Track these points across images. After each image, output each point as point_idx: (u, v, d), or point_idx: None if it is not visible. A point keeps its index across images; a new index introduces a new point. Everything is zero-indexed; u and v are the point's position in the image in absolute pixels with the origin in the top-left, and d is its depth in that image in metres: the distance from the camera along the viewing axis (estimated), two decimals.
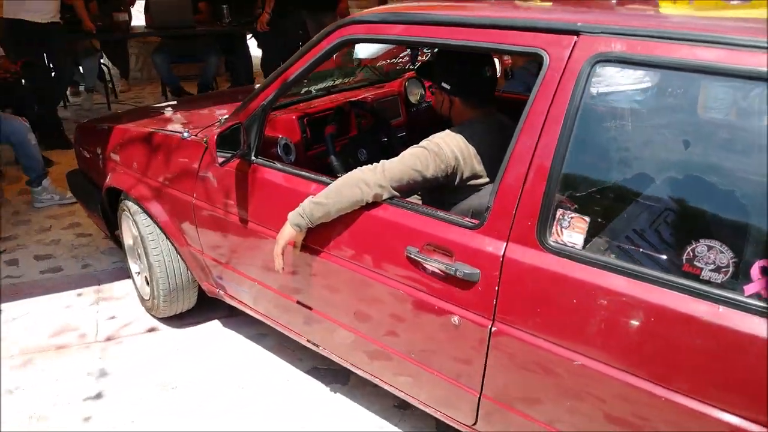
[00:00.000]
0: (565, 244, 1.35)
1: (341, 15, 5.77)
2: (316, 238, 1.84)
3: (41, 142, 3.81)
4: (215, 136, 1.92)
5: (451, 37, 1.58)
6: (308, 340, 2.14)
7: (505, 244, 1.43)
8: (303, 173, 1.92)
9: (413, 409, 2.16)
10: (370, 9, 1.86)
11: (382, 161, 1.72)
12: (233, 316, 2.75)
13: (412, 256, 1.60)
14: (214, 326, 2.71)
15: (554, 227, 1.36)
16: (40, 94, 4.53)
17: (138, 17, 6.49)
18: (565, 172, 1.34)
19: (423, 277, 1.60)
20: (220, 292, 2.45)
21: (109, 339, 2.61)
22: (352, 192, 1.68)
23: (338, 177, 2.07)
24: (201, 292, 2.63)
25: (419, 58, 3.01)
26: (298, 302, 2.05)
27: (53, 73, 4.86)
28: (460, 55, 1.82)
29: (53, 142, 4.73)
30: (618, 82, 1.36)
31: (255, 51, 6.65)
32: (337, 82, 2.85)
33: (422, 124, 2.84)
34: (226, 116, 2.40)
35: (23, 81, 4.20)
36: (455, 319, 1.55)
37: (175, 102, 3.95)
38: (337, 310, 1.92)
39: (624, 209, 1.33)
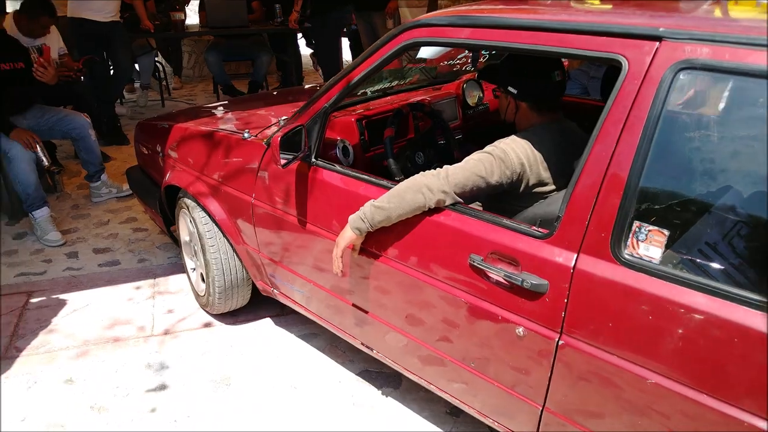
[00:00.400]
0: (641, 258, 1.30)
1: (390, 14, 5.76)
2: (376, 241, 1.83)
3: (99, 137, 3.92)
4: (278, 138, 1.93)
5: (523, 41, 1.54)
6: (362, 343, 2.14)
7: (576, 255, 1.39)
8: (363, 176, 1.92)
9: (465, 416, 2.13)
10: (435, 12, 1.84)
11: (445, 166, 1.70)
12: (284, 315, 2.77)
13: (475, 264, 1.57)
14: (266, 324, 2.73)
15: (630, 240, 1.32)
16: (100, 91, 4.65)
17: (191, 16, 6.63)
18: (643, 183, 1.29)
19: (486, 286, 1.57)
20: (274, 290, 2.47)
21: (166, 332, 2.66)
22: (415, 197, 1.66)
23: (397, 180, 2.07)
24: (254, 290, 2.66)
25: (479, 59, 2.97)
26: (354, 305, 2.04)
27: (112, 71, 4.99)
28: (529, 58, 1.78)
29: (110, 138, 4.87)
30: (702, 90, 1.30)
31: (304, 50, 6.72)
32: (393, 84, 2.83)
33: (479, 127, 2.81)
34: (286, 117, 2.42)
35: (82, 78, 4.31)
36: (520, 330, 1.51)
37: (229, 101, 4.01)
38: (394, 314, 1.91)
39: (705, 223, 1.28)
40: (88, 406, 2.22)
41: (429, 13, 1.82)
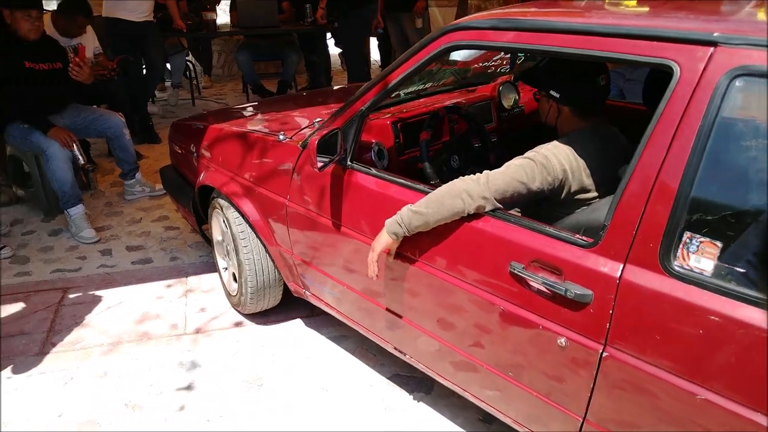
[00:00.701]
0: (692, 270, 1.26)
1: (418, 14, 5.73)
2: (411, 246, 1.81)
3: (132, 136, 3.96)
4: (315, 141, 1.92)
5: (568, 45, 1.51)
6: (395, 347, 2.12)
7: (622, 265, 1.36)
8: (399, 180, 1.90)
9: (498, 424, 2.10)
10: (475, 15, 1.81)
11: (485, 171, 1.68)
12: (314, 316, 2.77)
13: (515, 272, 1.54)
14: (297, 325, 2.73)
15: (680, 251, 1.28)
16: (133, 89, 4.71)
17: (221, 16, 6.68)
18: (695, 192, 1.26)
19: (527, 294, 1.55)
20: (305, 292, 2.47)
21: (198, 331, 2.68)
22: (454, 202, 1.64)
23: (432, 184, 2.05)
24: (284, 291, 2.66)
25: (517, 62, 2.93)
26: (387, 309, 2.03)
27: (145, 70, 5.05)
28: (573, 61, 1.75)
29: (143, 136, 4.92)
30: (759, 97, 1.26)
31: (333, 50, 6.74)
32: (426, 86, 2.81)
33: (514, 130, 2.78)
34: (320, 119, 2.42)
35: (116, 77, 4.37)
36: (562, 340, 1.48)
37: (261, 102, 4.03)
38: (428, 319, 1.89)
39: (760, 235, 1.24)
40: (122, 404, 2.24)
41: (470, 16, 1.80)
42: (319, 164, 1.97)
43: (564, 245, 1.48)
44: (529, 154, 1.70)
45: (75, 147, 3.43)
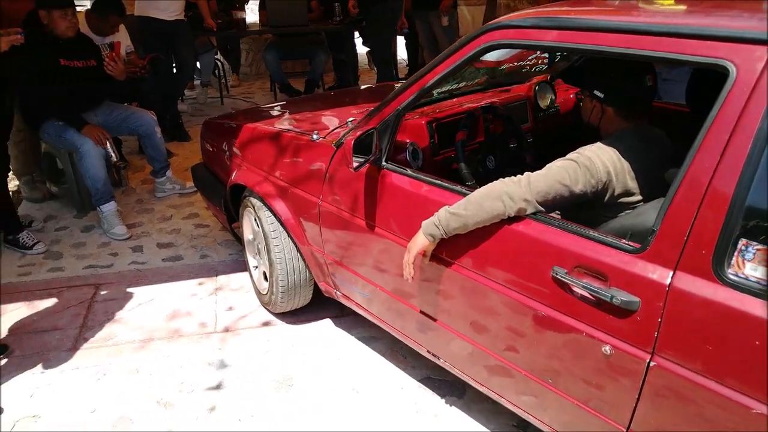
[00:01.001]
0: (748, 278, 1.22)
1: (445, 12, 5.68)
2: (448, 248, 1.78)
3: (162, 134, 3.99)
4: (352, 141, 1.90)
5: (614, 44, 1.47)
6: (428, 351, 2.10)
7: (672, 272, 1.32)
8: (435, 181, 1.87)
9: (534, 430, 2.06)
10: (517, 13, 1.77)
11: (526, 173, 1.64)
12: (344, 316, 2.75)
13: (558, 277, 1.51)
14: (326, 325, 2.72)
15: (735, 258, 1.24)
16: (164, 88, 4.75)
17: (250, 15, 6.70)
18: (751, 198, 1.21)
19: (570, 300, 1.51)
20: (336, 292, 2.45)
21: (227, 330, 2.68)
22: (494, 205, 1.61)
23: (468, 185, 2.02)
24: (315, 290, 2.65)
25: (555, 61, 2.89)
26: (422, 312, 2.00)
27: (175, 69, 5.08)
28: (618, 61, 1.71)
29: (172, 134, 4.96)
30: None
31: (360, 49, 6.72)
32: (460, 85, 2.78)
33: (549, 131, 2.73)
34: (353, 119, 2.41)
35: (147, 75, 4.41)
36: (606, 348, 1.44)
37: (291, 101, 4.03)
38: (465, 323, 1.86)
39: None
40: (154, 401, 2.25)
41: (509, 15, 1.76)
42: (355, 164, 1.95)
43: (610, 250, 1.44)
44: (571, 155, 1.66)
45: (108, 144, 3.47)
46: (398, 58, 6.59)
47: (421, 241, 1.75)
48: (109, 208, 3.50)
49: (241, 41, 7.17)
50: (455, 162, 2.23)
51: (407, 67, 7.12)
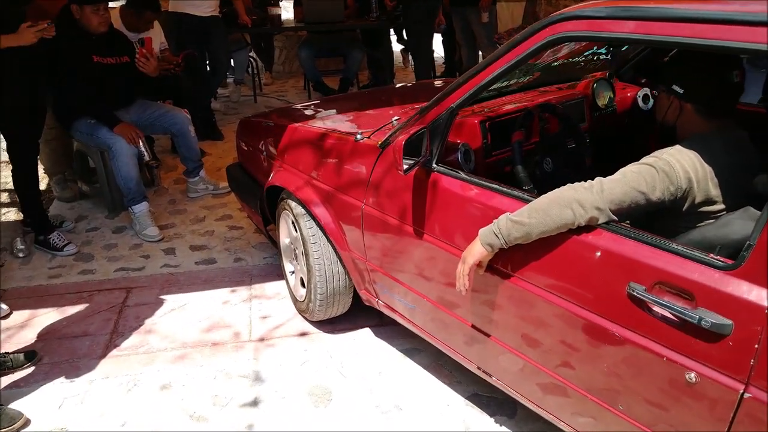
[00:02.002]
0: None
1: (484, 8, 5.50)
2: (507, 259, 1.63)
3: (195, 133, 3.90)
4: (402, 142, 1.77)
5: (703, 36, 1.30)
6: (479, 367, 1.95)
7: None
8: (491, 185, 1.72)
9: None
10: (587, 3, 1.61)
11: (598, 179, 1.48)
12: (384, 326, 2.62)
13: (635, 294, 1.35)
14: (366, 335, 2.59)
15: None
16: (198, 85, 4.67)
17: (283, 12, 6.59)
18: None
19: (649, 320, 1.34)
20: (378, 301, 2.32)
21: (262, 340, 2.56)
22: (563, 213, 1.45)
23: (526, 190, 1.87)
24: (354, 298, 2.52)
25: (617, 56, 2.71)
26: (473, 326, 1.86)
27: (209, 66, 5.01)
28: (700, 53, 1.53)
29: (206, 133, 4.87)
30: None
31: (395, 46, 6.59)
32: (510, 82, 2.61)
33: (606, 131, 2.56)
34: (397, 117, 2.27)
35: (180, 73, 4.33)
36: (691, 375, 1.28)
37: (328, 100, 3.91)
38: (523, 341, 1.70)
39: None
40: (187, 415, 2.14)
41: (580, 4, 1.60)
42: (405, 166, 1.81)
43: (696, 266, 1.28)
44: (648, 159, 1.50)
45: (141, 143, 3.38)
46: (435, 55, 6.41)
47: (478, 251, 1.60)
48: (142, 208, 3.41)
49: (275, 38, 7.08)
50: (510, 164, 2.07)
51: (443, 65, 6.95)
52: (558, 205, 1.46)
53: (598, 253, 1.44)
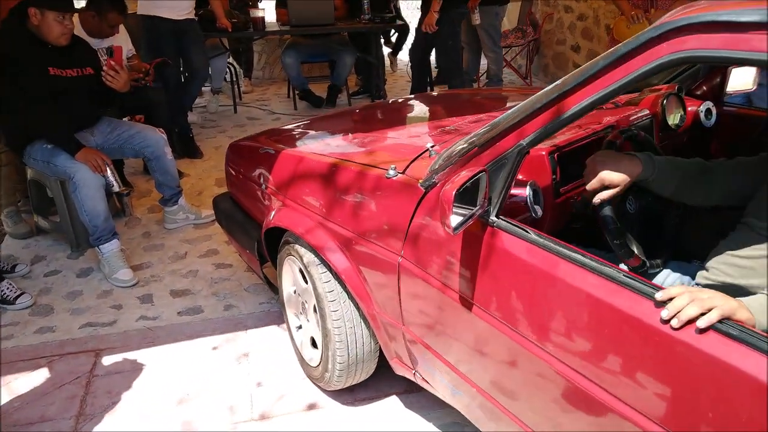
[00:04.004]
0: None
1: (472, 10, 5.05)
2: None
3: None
4: (453, 192, 1.31)
5: None
6: None
7: None
8: (585, 260, 1.24)
9: None
10: (719, 3, 1.14)
11: None
12: (414, 392, 2.15)
13: None
14: (394, 405, 2.12)
15: None
16: (171, 97, 4.12)
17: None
18: None
19: None
20: (416, 373, 1.85)
21: (263, 417, 2.07)
22: None
23: (626, 256, 1.46)
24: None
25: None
26: None
27: (185, 75, 4.47)
28: None
29: (182, 150, 4.33)
30: None
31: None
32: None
33: (664, 152, 2.13)
34: (432, 144, 1.81)
35: (150, 84, 3.80)
36: None
37: (334, 116, 3.41)
38: None
39: None
40: None
41: (701, 5, 1.13)
42: (453, 223, 1.35)
43: None
44: None
45: (108, 171, 2.84)
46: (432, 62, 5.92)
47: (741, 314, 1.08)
48: (111, 248, 2.88)
49: (254, 42, 6.54)
50: (581, 207, 1.63)
51: (436, 68, 6.49)
52: None
53: None
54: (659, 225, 1.71)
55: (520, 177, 1.65)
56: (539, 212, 1.60)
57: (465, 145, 1.54)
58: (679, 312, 1.04)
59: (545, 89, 1.38)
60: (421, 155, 1.81)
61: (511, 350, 1.39)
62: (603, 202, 1.51)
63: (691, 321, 1.04)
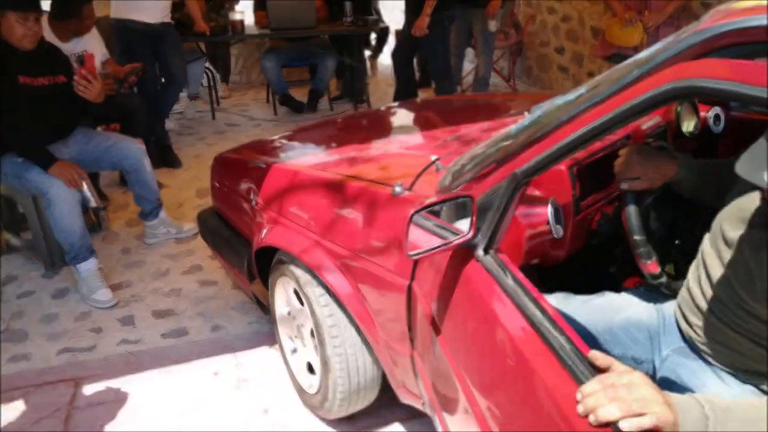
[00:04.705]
0: None
1: (491, 15, 4.95)
2: None
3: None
4: (411, 212, 1.19)
5: None
6: None
7: None
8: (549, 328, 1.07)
9: None
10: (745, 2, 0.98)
11: None
12: (417, 418, 2.04)
13: None
14: None
15: None
16: (150, 104, 3.94)
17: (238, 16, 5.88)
18: None
19: None
20: (426, 404, 1.73)
21: None
22: None
23: (638, 249, 1.37)
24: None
25: None
26: None
27: (163, 81, 4.28)
28: None
29: (160, 159, 4.14)
30: None
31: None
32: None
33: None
34: (436, 157, 1.71)
35: (125, 90, 3.62)
36: None
37: (324, 123, 3.27)
38: None
39: None
40: None
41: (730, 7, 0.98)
42: (409, 247, 1.25)
43: None
44: None
45: (84, 186, 2.67)
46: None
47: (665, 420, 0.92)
48: (89, 266, 2.70)
49: (231, 46, 6.35)
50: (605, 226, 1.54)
51: (417, 71, 6.38)
52: None
53: None
54: (674, 235, 1.63)
55: (537, 193, 1.57)
56: (561, 232, 1.50)
57: (469, 165, 1.42)
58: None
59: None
60: (426, 169, 1.70)
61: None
62: (629, 197, 1.41)
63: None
